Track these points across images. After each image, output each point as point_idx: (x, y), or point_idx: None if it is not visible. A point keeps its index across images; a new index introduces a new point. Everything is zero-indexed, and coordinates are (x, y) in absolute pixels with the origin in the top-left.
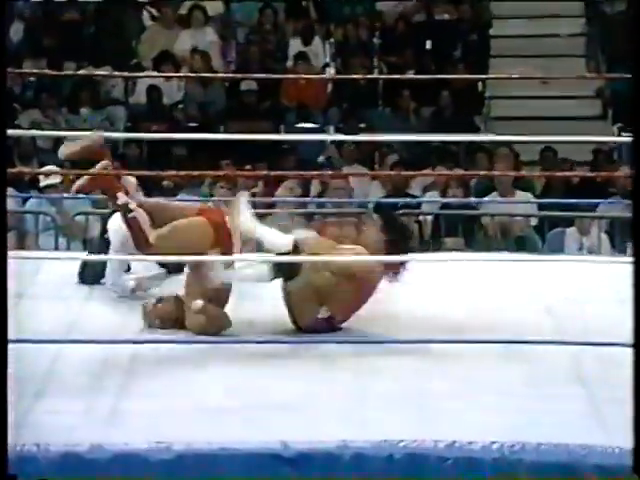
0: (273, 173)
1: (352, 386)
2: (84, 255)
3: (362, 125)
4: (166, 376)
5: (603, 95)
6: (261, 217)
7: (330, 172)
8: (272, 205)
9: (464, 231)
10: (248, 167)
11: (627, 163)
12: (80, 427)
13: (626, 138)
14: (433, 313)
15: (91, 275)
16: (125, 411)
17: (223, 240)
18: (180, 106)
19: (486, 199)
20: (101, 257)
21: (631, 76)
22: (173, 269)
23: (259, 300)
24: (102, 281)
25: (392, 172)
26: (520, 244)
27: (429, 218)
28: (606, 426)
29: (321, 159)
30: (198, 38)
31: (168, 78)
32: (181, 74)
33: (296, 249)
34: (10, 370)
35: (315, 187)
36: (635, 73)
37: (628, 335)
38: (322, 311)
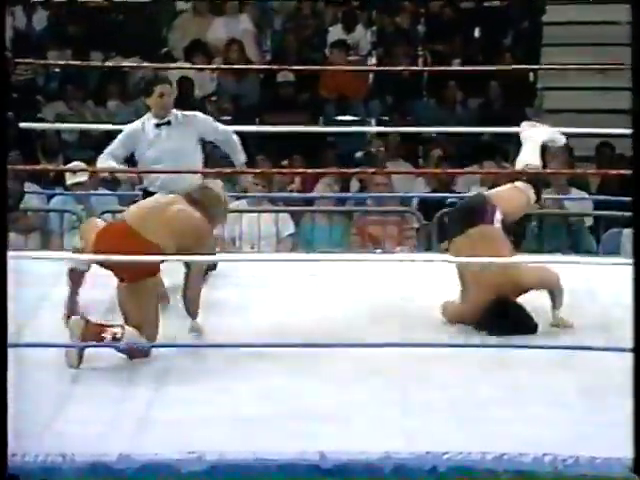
0: (310, 171)
1: (395, 394)
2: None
3: (406, 118)
4: (198, 383)
5: None
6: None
7: (372, 169)
8: (310, 201)
9: (513, 231)
10: (284, 162)
11: None
12: (108, 436)
13: None
14: None
15: None
16: (155, 420)
17: None
18: (213, 98)
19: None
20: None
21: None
22: None
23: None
24: None
25: (437, 170)
26: (574, 245)
27: None
28: None
29: (359, 155)
30: (232, 26)
31: (200, 69)
32: (214, 65)
33: None
34: (32, 376)
35: (355, 183)
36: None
37: None
38: None
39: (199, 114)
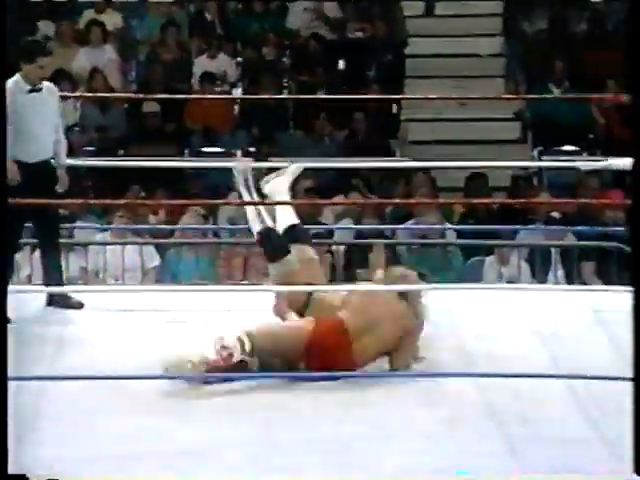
0: (176, 202)
1: (262, 430)
2: None
3: (272, 149)
4: (66, 421)
5: (523, 117)
6: (164, 246)
7: (238, 200)
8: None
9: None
10: (143, 194)
11: (547, 189)
12: None
13: (546, 163)
14: None
15: None
16: (21, 458)
17: None
18: (76, 129)
19: (402, 226)
20: None
21: (631, 97)
22: None
23: None
24: None
25: (303, 201)
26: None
27: (342, 248)
28: (525, 466)
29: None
30: (96, 56)
31: (64, 98)
32: (77, 94)
33: None
34: None
35: (223, 214)
36: (634, 94)
37: (540, 367)
38: None
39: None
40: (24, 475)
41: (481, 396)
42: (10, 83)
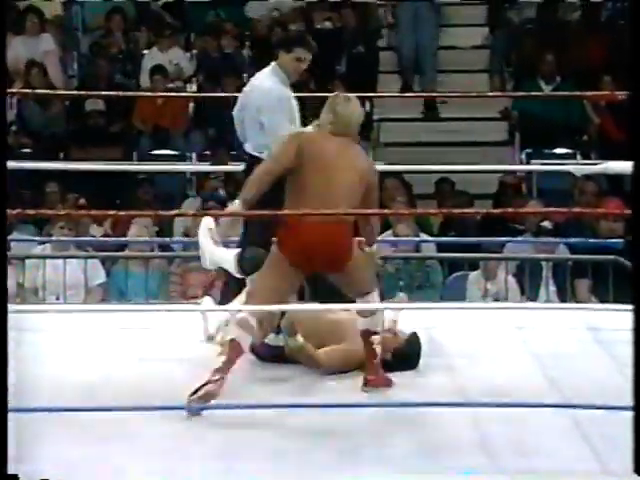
0: (123, 213)
1: (216, 464)
2: None
3: (231, 152)
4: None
5: (509, 116)
6: (110, 261)
7: (191, 212)
8: (123, 247)
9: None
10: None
11: (537, 196)
12: None
13: (536, 167)
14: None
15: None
16: None
17: None
18: (11, 129)
19: (377, 239)
20: None
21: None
22: None
23: None
24: None
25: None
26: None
27: None
28: None
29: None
30: (33, 46)
31: None
32: (13, 90)
33: None
34: None
35: (179, 225)
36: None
37: (538, 394)
38: None
39: None
40: (16, 475)
41: (470, 424)
42: (270, 79)
